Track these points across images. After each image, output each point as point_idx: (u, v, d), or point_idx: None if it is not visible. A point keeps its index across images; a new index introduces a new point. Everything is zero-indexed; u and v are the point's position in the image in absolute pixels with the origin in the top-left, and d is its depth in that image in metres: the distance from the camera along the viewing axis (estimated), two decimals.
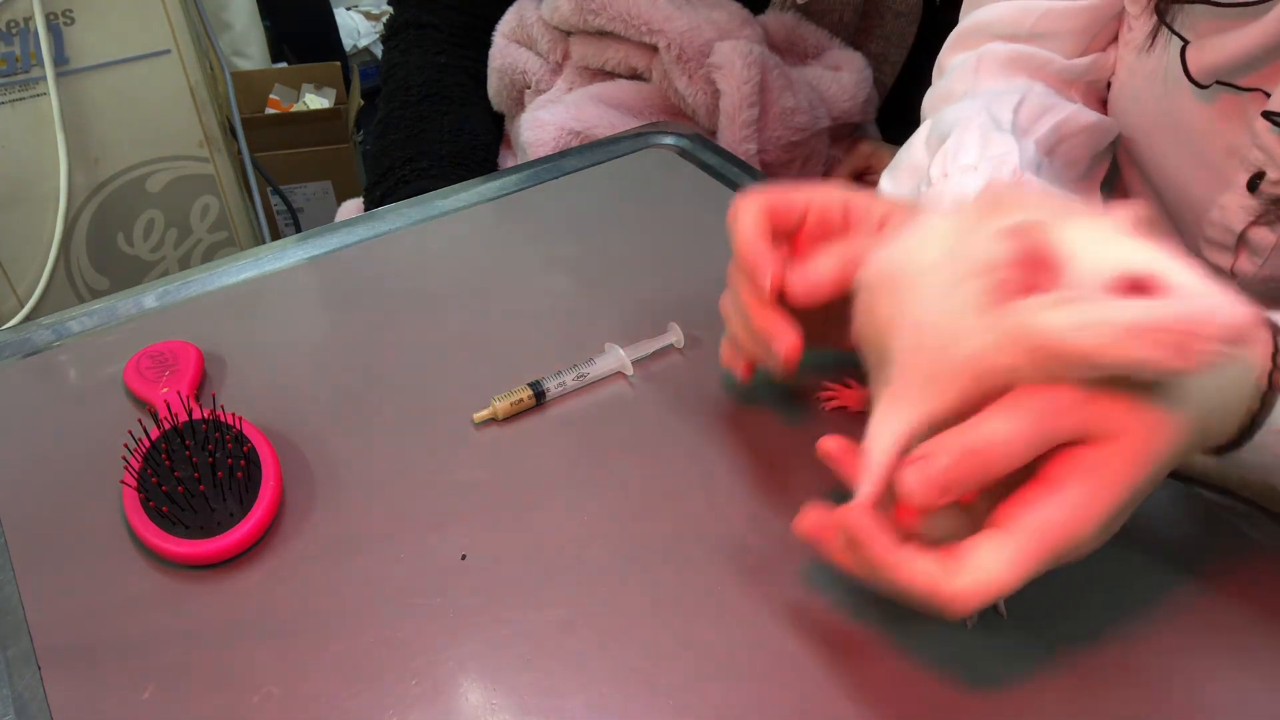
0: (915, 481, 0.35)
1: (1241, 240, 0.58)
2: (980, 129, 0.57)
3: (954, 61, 0.69)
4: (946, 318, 0.36)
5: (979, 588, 0.34)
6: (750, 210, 0.47)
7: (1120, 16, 0.63)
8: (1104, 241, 0.34)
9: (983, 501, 0.37)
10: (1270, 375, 0.38)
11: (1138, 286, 0.32)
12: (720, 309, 0.52)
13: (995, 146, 0.56)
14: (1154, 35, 0.56)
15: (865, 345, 0.42)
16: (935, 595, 0.35)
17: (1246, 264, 0.58)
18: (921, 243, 0.39)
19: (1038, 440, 0.35)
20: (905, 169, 0.60)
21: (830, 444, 0.41)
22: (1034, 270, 0.34)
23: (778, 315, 0.46)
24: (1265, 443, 0.39)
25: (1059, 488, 0.35)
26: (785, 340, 0.46)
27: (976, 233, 0.36)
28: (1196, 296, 0.32)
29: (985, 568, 0.34)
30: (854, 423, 0.53)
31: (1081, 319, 0.33)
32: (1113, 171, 0.70)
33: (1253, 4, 0.50)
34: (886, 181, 0.61)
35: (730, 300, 0.50)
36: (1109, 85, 0.65)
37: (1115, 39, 0.65)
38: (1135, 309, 0.32)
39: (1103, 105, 0.68)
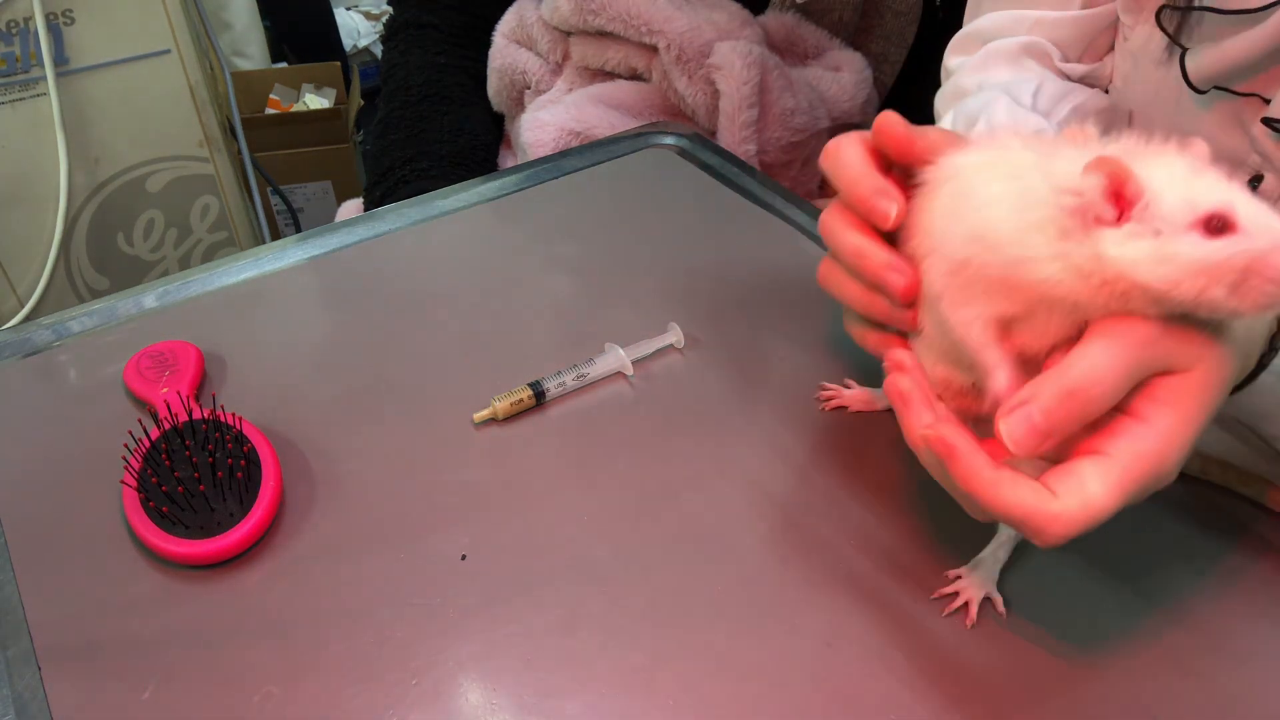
0: (1019, 430, 0.35)
1: None
2: (1007, 108, 0.57)
3: (957, 62, 0.69)
4: (1020, 233, 0.36)
5: (1082, 511, 0.34)
6: (851, 146, 0.43)
7: (1112, 28, 0.64)
8: (1184, 177, 0.34)
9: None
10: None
11: (1219, 224, 0.33)
12: (821, 282, 0.46)
13: (1026, 124, 0.56)
14: (1172, 45, 0.55)
15: (912, 234, 0.41)
16: (1035, 519, 0.34)
17: None
18: (997, 156, 0.39)
19: (1132, 374, 0.35)
20: None
21: (904, 383, 0.38)
22: (1116, 202, 0.34)
23: (893, 251, 0.41)
24: (1266, 384, 0.40)
25: (1147, 419, 0.35)
26: (902, 271, 0.40)
27: (1061, 155, 0.37)
28: (1268, 237, 0.33)
29: (1089, 491, 0.34)
30: (854, 422, 0.54)
31: (1158, 254, 0.34)
32: None
33: (1256, 10, 0.50)
34: None
35: (835, 271, 0.45)
36: (1106, 92, 0.66)
37: (1110, 50, 0.65)
38: (1207, 247, 0.33)
39: None
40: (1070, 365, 0.35)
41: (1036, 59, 0.65)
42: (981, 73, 0.66)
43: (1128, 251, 0.34)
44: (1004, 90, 0.60)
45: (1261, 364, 0.40)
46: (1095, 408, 0.35)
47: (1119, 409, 0.36)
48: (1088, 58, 0.66)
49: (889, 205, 0.40)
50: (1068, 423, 0.35)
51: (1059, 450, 0.36)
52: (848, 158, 0.42)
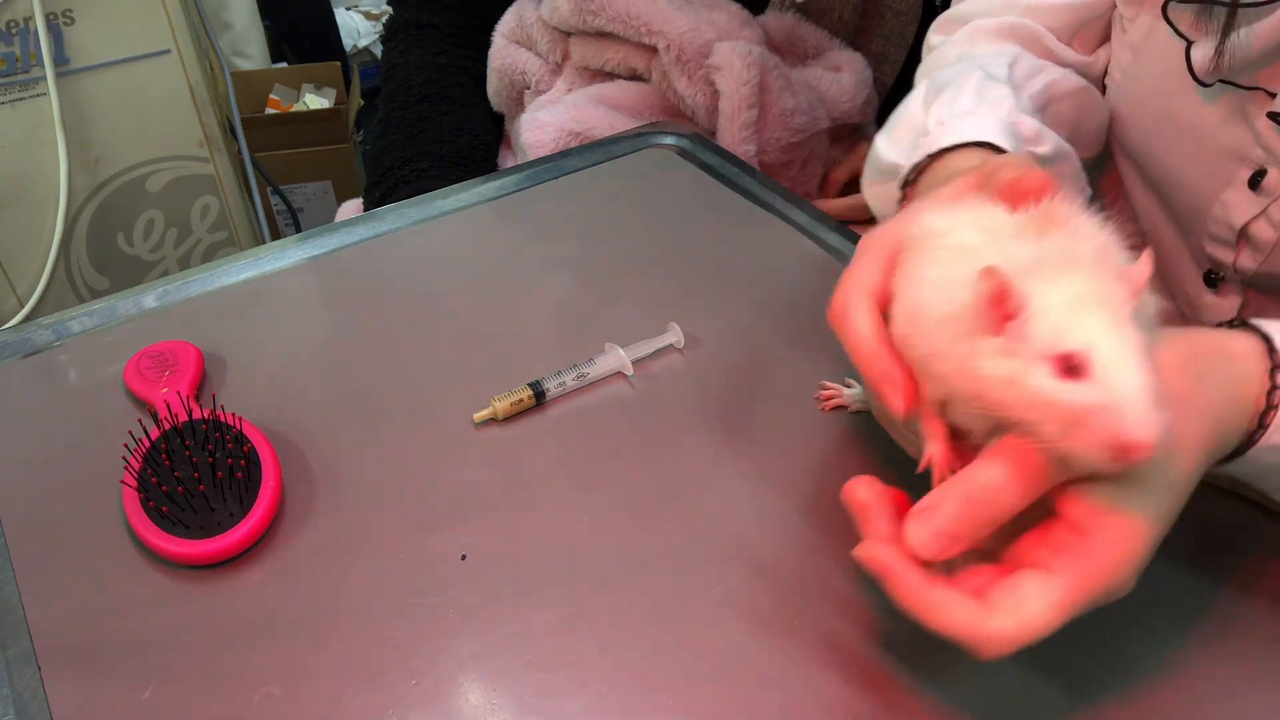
0: (924, 535, 0.35)
1: (1243, 236, 0.58)
2: (977, 81, 0.57)
3: (939, 40, 0.69)
4: (937, 323, 0.37)
5: (1018, 631, 0.34)
6: (861, 310, 0.40)
7: (1106, 17, 0.64)
8: (1070, 305, 0.33)
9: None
10: (1269, 394, 0.38)
11: (1071, 366, 0.33)
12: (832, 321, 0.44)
13: (991, 93, 0.56)
14: (1220, 45, 0.53)
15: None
16: (972, 638, 0.34)
17: (1248, 260, 0.59)
18: (956, 228, 0.39)
19: (1038, 484, 0.34)
20: (902, 126, 0.60)
21: (861, 492, 0.38)
22: (1000, 313, 0.34)
23: (933, 421, 0.39)
24: (1256, 457, 0.39)
25: (1089, 532, 0.34)
26: (934, 445, 0.39)
27: (1014, 242, 0.37)
28: (1107, 396, 0.32)
29: (1028, 611, 0.34)
30: (853, 421, 0.54)
31: (1010, 376, 0.34)
32: (1113, 171, 0.70)
33: (1263, 3, 0.50)
34: (882, 141, 0.60)
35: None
36: (1104, 88, 0.65)
37: (1103, 40, 0.65)
38: (1050, 385, 0.33)
39: None
40: (971, 473, 0.35)
41: (1021, 41, 0.65)
42: (964, 47, 0.65)
43: (988, 366, 0.34)
44: (981, 64, 0.59)
45: (1252, 440, 0.39)
46: (999, 515, 0.35)
47: (1063, 516, 0.35)
48: (1077, 45, 0.65)
49: (896, 398, 0.38)
50: (972, 527, 0.35)
51: (1005, 545, 0.36)
52: (857, 327, 0.40)
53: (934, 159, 0.53)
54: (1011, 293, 0.33)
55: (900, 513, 0.37)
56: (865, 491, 0.38)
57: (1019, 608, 0.34)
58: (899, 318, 0.39)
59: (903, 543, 0.36)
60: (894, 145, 0.59)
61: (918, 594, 0.35)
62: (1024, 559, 0.35)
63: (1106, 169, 0.71)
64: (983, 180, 0.42)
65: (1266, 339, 0.39)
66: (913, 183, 0.54)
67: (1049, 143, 0.56)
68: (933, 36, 0.71)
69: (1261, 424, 0.38)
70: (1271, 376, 0.38)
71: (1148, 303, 0.38)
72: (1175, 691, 0.41)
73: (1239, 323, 0.40)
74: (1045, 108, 0.61)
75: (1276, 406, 0.38)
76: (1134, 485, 0.34)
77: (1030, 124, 0.55)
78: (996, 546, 0.37)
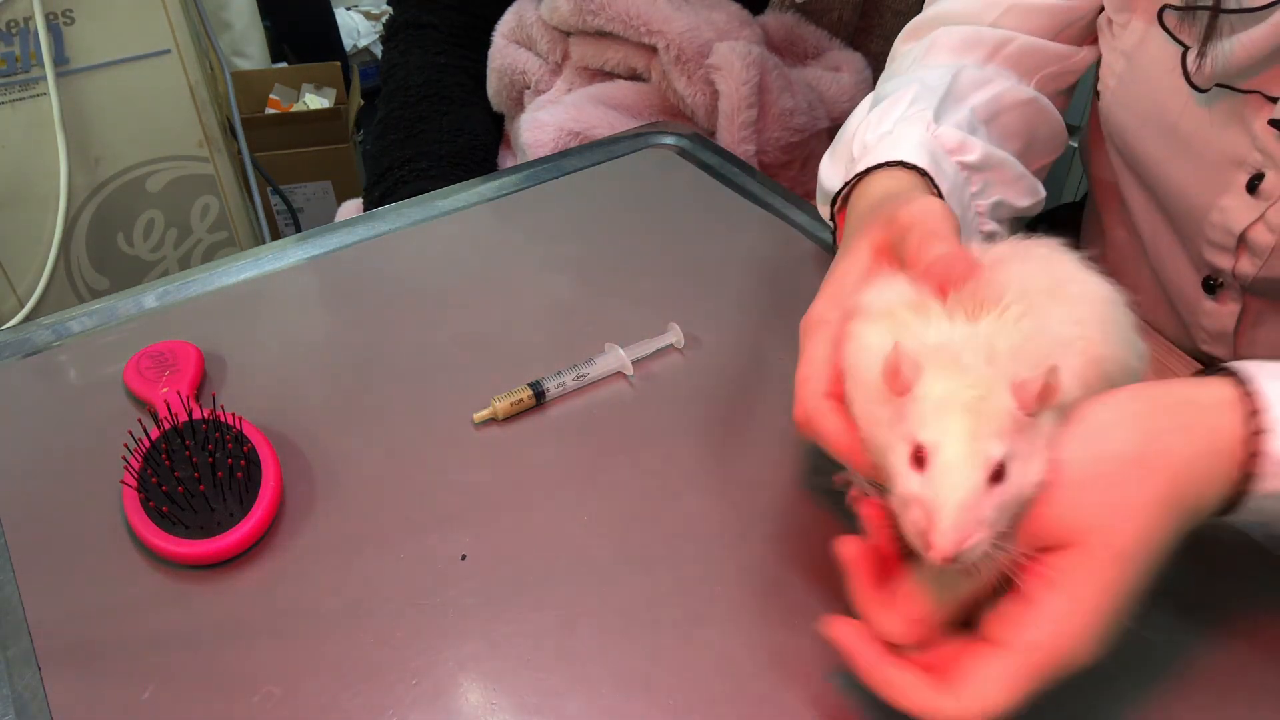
0: (898, 626, 0.36)
1: (1242, 241, 0.58)
2: (909, 97, 0.57)
3: (905, 49, 0.68)
4: (862, 385, 0.39)
5: (968, 711, 0.34)
6: (824, 411, 0.40)
7: (1088, 19, 0.63)
8: (943, 404, 0.34)
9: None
10: (1248, 440, 0.36)
11: (919, 456, 0.34)
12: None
13: (915, 109, 0.56)
14: (1202, 49, 0.53)
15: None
16: (926, 717, 0.34)
17: (1247, 265, 0.58)
18: (892, 303, 0.40)
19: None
20: (841, 147, 0.60)
21: (849, 550, 0.39)
22: (896, 386, 0.36)
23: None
24: (1261, 506, 0.37)
25: (1035, 602, 0.34)
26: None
27: (930, 325, 0.38)
28: (924, 492, 0.34)
29: (977, 690, 0.34)
30: None
31: (885, 447, 0.36)
32: (1111, 177, 0.70)
33: (1259, 9, 0.50)
34: (826, 164, 0.61)
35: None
36: (1098, 93, 0.65)
37: (1082, 40, 0.65)
38: (901, 467, 0.35)
39: (1063, 100, 0.68)
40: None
41: (984, 54, 0.64)
42: (921, 63, 0.65)
43: (879, 432, 0.37)
44: (922, 77, 0.59)
45: (1246, 489, 0.36)
46: (958, 594, 0.35)
47: (1017, 589, 0.35)
48: (1061, 42, 0.65)
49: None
50: (940, 609, 0.36)
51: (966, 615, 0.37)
52: (831, 433, 0.40)
53: (857, 182, 0.53)
54: (900, 372, 0.35)
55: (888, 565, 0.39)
56: (852, 551, 0.39)
57: (969, 687, 0.34)
58: (845, 376, 0.40)
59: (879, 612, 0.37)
60: (834, 168, 0.59)
61: (877, 672, 0.36)
62: (985, 633, 0.36)
63: (1104, 175, 0.71)
64: (893, 238, 0.42)
65: (1242, 383, 0.37)
66: (843, 207, 0.55)
67: (976, 150, 0.56)
68: (899, 45, 0.70)
69: (1253, 471, 0.36)
70: (1249, 421, 0.36)
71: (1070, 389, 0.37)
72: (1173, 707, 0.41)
73: (1219, 368, 0.38)
74: (993, 119, 0.61)
75: (1258, 454, 0.35)
76: (1078, 554, 0.34)
77: (952, 135, 0.55)
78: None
